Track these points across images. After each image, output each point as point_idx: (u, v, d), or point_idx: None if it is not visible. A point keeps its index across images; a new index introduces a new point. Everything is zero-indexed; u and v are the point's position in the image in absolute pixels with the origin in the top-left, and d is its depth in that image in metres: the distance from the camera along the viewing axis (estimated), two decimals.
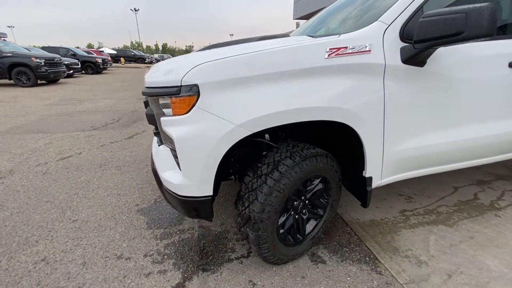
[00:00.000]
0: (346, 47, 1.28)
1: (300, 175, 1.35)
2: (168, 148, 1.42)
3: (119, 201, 2.33)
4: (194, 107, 1.20)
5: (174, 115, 1.26)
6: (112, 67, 20.71)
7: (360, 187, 1.59)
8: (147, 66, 26.23)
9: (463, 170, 2.05)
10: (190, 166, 1.27)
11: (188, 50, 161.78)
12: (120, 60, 26.22)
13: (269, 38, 1.66)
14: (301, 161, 1.35)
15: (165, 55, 51.31)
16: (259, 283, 1.48)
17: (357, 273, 1.53)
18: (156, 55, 45.66)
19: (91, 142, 3.91)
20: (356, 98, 1.32)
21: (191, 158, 1.25)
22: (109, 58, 18.28)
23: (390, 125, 1.41)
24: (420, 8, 1.36)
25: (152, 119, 1.42)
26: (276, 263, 1.54)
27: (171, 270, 1.58)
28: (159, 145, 1.59)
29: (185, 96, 1.20)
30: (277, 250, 1.46)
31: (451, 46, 1.38)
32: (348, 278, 1.49)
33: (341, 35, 1.32)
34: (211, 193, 1.32)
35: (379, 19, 1.36)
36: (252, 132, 1.24)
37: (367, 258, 1.64)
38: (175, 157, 1.37)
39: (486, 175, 2.63)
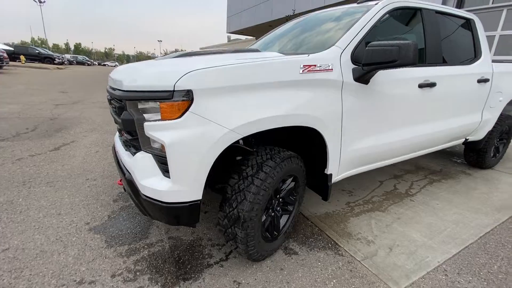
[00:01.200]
0: (315, 65, 1.53)
1: (281, 175, 1.51)
2: (148, 155, 1.36)
3: (62, 222, 2.01)
4: (187, 112, 1.23)
5: (163, 119, 1.25)
6: (8, 65, 16.89)
7: (322, 183, 1.86)
8: (58, 68, 22.41)
9: (384, 166, 2.59)
10: (182, 171, 1.27)
11: (108, 53, 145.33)
12: (19, 58, 21.60)
13: (242, 51, 1.80)
14: (280, 162, 1.51)
15: (79, 56, 44.91)
16: (243, 281, 1.54)
17: (325, 258, 1.76)
18: (68, 55, 39.47)
19: (1, 155, 3.17)
20: (322, 108, 1.58)
21: (183, 162, 1.26)
22: (5, 55, 14.92)
23: (345, 129, 1.73)
24: (363, 39, 1.74)
25: (130, 124, 1.36)
26: (258, 260, 1.64)
27: (148, 286, 1.48)
28: (133, 154, 1.49)
29: (178, 101, 1.21)
30: (260, 246, 1.56)
31: (385, 70, 1.80)
32: (319, 263, 1.71)
33: (310, 55, 1.58)
34: (200, 197, 1.35)
35: (336, 44, 1.68)
36: (242, 136, 1.34)
37: (329, 244, 1.90)
38: (161, 162, 1.34)
39: (399, 170, 3.37)
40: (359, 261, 1.74)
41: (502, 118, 3.10)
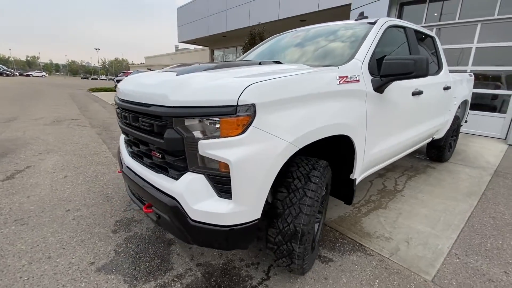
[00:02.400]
0: (347, 76, 1.61)
1: (324, 184, 1.53)
2: (199, 175, 1.24)
3: (58, 266, 1.66)
4: (251, 127, 1.16)
5: (223, 136, 1.16)
6: None
7: (347, 189, 1.94)
8: None
9: None
10: (246, 189, 1.19)
11: (31, 62, 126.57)
12: None
13: (264, 64, 1.79)
14: (323, 171, 1.53)
15: None
16: None
17: (359, 260, 1.83)
18: None
19: None
20: (354, 116, 1.67)
21: (248, 180, 1.18)
22: None
23: (368, 135, 1.85)
24: (374, 52, 1.91)
25: (176, 144, 1.22)
26: (304, 273, 1.61)
27: None
28: (174, 176, 1.33)
29: (241, 116, 1.14)
30: (309, 258, 1.54)
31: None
32: (356, 266, 1.76)
33: (339, 67, 1.66)
34: (260, 216, 1.28)
35: (355, 57, 1.81)
36: (298, 149, 1.33)
37: (356, 246, 1.98)
38: (217, 182, 1.23)
39: (381, 170, 3.71)
40: (388, 258, 1.85)
41: (454, 118, 3.70)
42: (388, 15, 6.74)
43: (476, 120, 5.77)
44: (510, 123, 5.39)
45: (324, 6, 9.50)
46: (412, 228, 2.23)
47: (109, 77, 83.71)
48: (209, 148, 1.16)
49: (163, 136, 1.27)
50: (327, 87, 1.48)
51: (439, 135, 3.50)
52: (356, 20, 2.34)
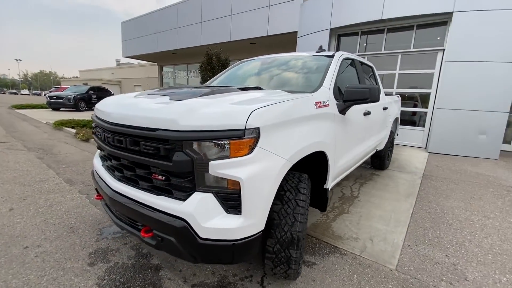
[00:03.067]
0: (321, 102, 1.91)
1: (309, 194, 1.75)
2: (208, 194, 1.32)
3: None
4: (256, 147, 1.32)
5: (232, 157, 1.29)
6: None
7: (321, 197, 2.20)
8: None
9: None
10: (254, 204, 1.33)
11: None
12: None
13: (250, 90, 1.98)
14: (307, 183, 1.76)
15: None
16: None
17: (336, 260, 2.08)
18: None
19: None
20: (327, 135, 1.96)
21: (256, 195, 1.32)
22: None
23: (336, 150, 2.17)
24: (335, 81, 2.29)
25: (186, 165, 1.29)
26: (297, 277, 1.76)
27: None
28: (180, 198, 1.37)
29: (248, 138, 1.30)
30: (301, 263, 1.71)
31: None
32: (336, 266, 2.00)
33: (313, 93, 1.95)
34: (263, 227, 1.41)
35: (323, 85, 2.14)
36: (292, 165, 1.53)
37: (332, 248, 2.24)
38: (225, 200, 1.33)
39: None
40: (359, 255, 2.15)
41: (390, 133, 4.45)
42: (329, 44, 7.76)
43: (403, 133, 6.94)
44: (428, 134, 6.65)
45: (272, 32, 10.35)
46: (372, 227, 2.61)
47: (33, 91, 72.77)
48: (220, 168, 1.27)
49: (169, 158, 1.33)
50: (309, 111, 1.75)
51: (381, 147, 4.15)
52: (316, 52, 2.75)
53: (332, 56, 2.54)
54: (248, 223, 1.32)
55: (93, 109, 2.62)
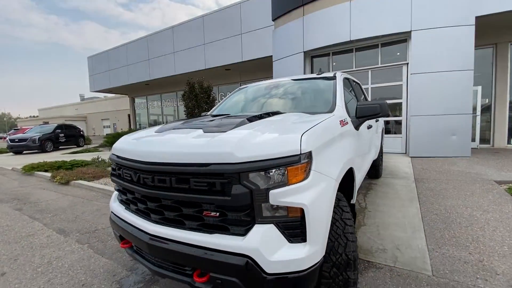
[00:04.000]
0: (343, 120, 2.00)
1: (351, 212, 1.77)
2: (269, 225, 1.28)
3: None
4: (312, 171, 1.33)
5: (291, 183, 1.28)
6: None
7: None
8: None
9: None
10: (318, 230, 1.31)
11: None
12: None
13: (274, 115, 2.01)
14: (346, 201, 1.78)
15: None
16: None
17: (375, 275, 2.06)
18: None
19: None
20: (352, 151, 2.03)
21: (319, 220, 1.31)
22: None
23: (357, 164, 2.24)
24: (345, 101, 2.42)
25: (245, 198, 1.25)
26: None
27: None
28: (240, 233, 1.30)
29: (304, 162, 1.31)
30: None
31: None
32: (378, 281, 1.99)
33: (334, 113, 2.04)
34: (324, 252, 1.39)
35: (337, 104, 2.25)
36: (338, 184, 1.55)
37: (366, 264, 2.23)
38: (286, 229, 1.29)
39: None
40: (394, 266, 2.16)
41: (380, 143, 4.72)
42: (304, 65, 8.24)
43: (385, 141, 7.38)
44: (406, 140, 7.15)
45: (247, 57, 10.78)
46: (394, 236, 2.67)
47: None
48: (281, 196, 1.25)
49: (225, 193, 1.28)
50: (338, 130, 1.82)
51: (375, 156, 4.37)
52: (318, 74, 2.91)
53: (335, 77, 2.70)
54: (313, 250, 1.29)
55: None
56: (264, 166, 1.26)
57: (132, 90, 17.97)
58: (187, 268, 1.45)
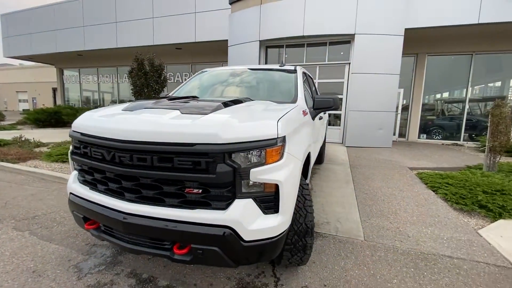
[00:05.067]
0: (304, 110, 2.27)
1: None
2: (248, 200, 1.44)
3: None
4: (285, 153, 1.55)
5: (268, 163, 1.46)
6: None
7: None
8: None
9: None
10: (288, 202, 1.54)
11: None
12: None
13: (245, 101, 2.14)
14: (304, 181, 2.07)
15: None
16: (322, 283, 1.91)
17: (323, 242, 2.47)
18: None
19: None
20: (310, 138, 2.33)
21: (290, 194, 1.54)
22: None
23: (311, 147, 2.57)
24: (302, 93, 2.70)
25: (228, 175, 1.39)
26: (307, 261, 2.03)
27: None
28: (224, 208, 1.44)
29: (280, 145, 1.51)
30: None
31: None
32: (325, 247, 2.39)
33: (297, 104, 2.28)
34: (290, 222, 1.64)
35: (298, 96, 2.51)
36: (302, 165, 1.80)
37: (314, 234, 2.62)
38: (262, 202, 1.48)
39: None
40: (336, 235, 2.61)
41: (325, 133, 5.30)
42: (259, 55, 8.42)
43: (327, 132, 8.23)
44: (343, 132, 8.12)
45: (201, 38, 10.37)
46: (335, 211, 3.16)
47: None
48: (260, 174, 1.42)
49: (208, 171, 1.39)
50: (301, 119, 2.07)
51: (321, 144, 4.91)
52: (280, 66, 3.11)
53: (295, 70, 2.96)
54: (284, 220, 1.52)
55: None
56: (246, 147, 1.41)
57: (60, 60, 15.38)
58: (165, 243, 1.52)
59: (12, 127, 11.29)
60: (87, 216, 1.72)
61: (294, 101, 2.42)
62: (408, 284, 1.94)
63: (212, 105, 1.77)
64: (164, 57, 7.99)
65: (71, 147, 1.93)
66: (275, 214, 1.50)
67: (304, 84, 3.27)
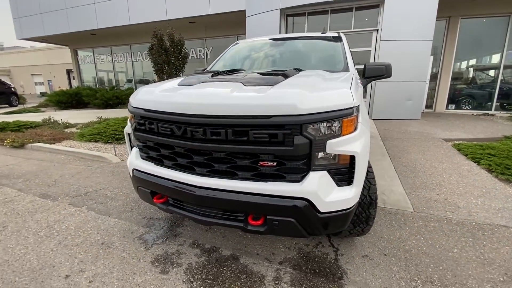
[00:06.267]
0: (358, 79, 2.15)
1: None
2: (323, 172, 1.42)
3: None
4: (359, 124, 1.48)
5: (344, 134, 1.41)
6: None
7: None
8: None
9: None
10: (362, 174, 1.50)
11: None
12: None
13: (293, 74, 2.04)
14: None
15: None
16: (371, 251, 1.94)
17: None
18: None
19: None
20: (366, 109, 2.23)
21: (363, 167, 1.50)
22: None
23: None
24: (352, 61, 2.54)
25: (305, 147, 1.35)
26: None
27: None
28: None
29: (354, 115, 1.44)
30: None
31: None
32: (376, 219, 2.38)
33: (351, 72, 2.15)
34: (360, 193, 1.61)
35: (348, 65, 2.37)
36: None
37: None
38: (337, 174, 1.45)
39: None
40: (384, 207, 2.59)
41: None
42: (280, 24, 8.00)
43: None
44: (370, 104, 7.83)
45: (216, 10, 9.92)
46: (378, 184, 3.11)
47: None
48: (337, 145, 1.38)
49: (284, 143, 1.35)
50: (361, 87, 1.96)
51: None
52: (322, 33, 2.92)
53: (340, 38, 2.78)
54: (357, 191, 1.49)
55: None
56: (323, 117, 1.35)
57: (74, 40, 15.27)
58: (239, 214, 1.55)
59: (36, 109, 11.61)
60: (156, 190, 1.75)
61: (345, 69, 2.29)
62: (469, 253, 1.92)
63: (273, 77, 1.69)
64: (177, 32, 7.73)
65: (129, 124, 1.94)
66: (349, 186, 1.47)
67: None
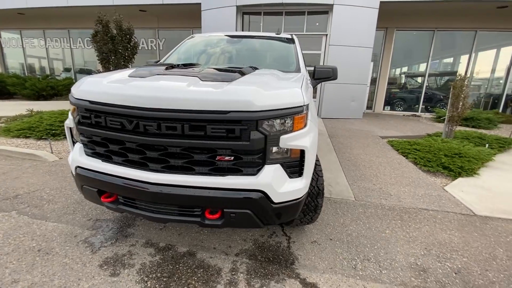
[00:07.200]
0: (308, 79, 2.32)
1: None
2: (276, 165, 1.51)
3: None
4: (308, 120, 1.62)
5: (295, 130, 1.53)
6: None
7: None
8: None
9: None
10: (311, 167, 1.64)
11: None
12: None
13: (249, 71, 2.11)
14: None
15: None
16: (321, 237, 2.12)
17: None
18: None
19: None
20: (315, 109, 2.42)
21: (312, 160, 1.64)
22: None
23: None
24: (303, 63, 2.73)
25: (260, 142, 1.43)
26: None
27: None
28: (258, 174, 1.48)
29: (305, 113, 1.57)
30: None
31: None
32: (323, 208, 2.62)
33: (302, 73, 2.31)
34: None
35: (300, 65, 2.53)
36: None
37: None
38: (288, 167, 1.56)
39: None
40: (330, 197, 2.86)
41: None
42: (236, 21, 8.02)
43: None
44: (319, 103, 8.40)
45: (169, 0, 9.43)
46: (325, 177, 3.39)
47: None
48: (289, 140, 1.49)
49: (241, 138, 1.41)
50: (311, 88, 2.12)
51: None
52: (276, 34, 3.05)
53: (293, 40, 2.94)
54: (307, 182, 1.63)
55: None
56: (278, 114, 1.44)
57: None
58: (195, 210, 1.55)
59: None
60: (104, 189, 1.64)
61: (297, 70, 2.44)
62: (398, 233, 2.25)
63: (230, 74, 1.72)
64: (125, 20, 7.15)
65: (71, 117, 1.77)
66: (300, 178, 1.60)
67: None
